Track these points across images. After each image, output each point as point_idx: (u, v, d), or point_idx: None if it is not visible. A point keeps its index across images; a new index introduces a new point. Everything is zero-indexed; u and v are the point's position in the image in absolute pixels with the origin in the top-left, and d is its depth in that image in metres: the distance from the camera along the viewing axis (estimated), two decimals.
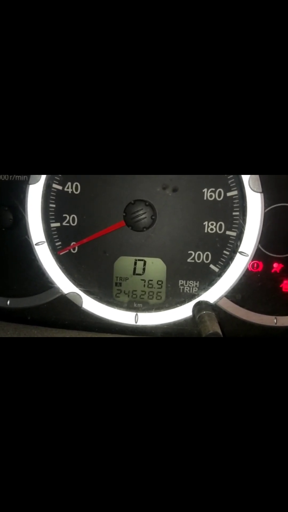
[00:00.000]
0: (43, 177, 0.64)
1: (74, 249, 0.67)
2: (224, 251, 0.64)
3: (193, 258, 0.65)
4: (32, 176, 0.64)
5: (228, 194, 0.62)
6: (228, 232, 0.63)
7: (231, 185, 0.61)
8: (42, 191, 0.64)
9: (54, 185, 0.65)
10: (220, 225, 0.63)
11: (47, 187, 0.64)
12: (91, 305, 0.67)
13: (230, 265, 0.63)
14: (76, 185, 0.64)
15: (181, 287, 0.66)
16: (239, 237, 0.62)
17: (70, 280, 0.67)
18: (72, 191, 0.65)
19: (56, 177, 0.65)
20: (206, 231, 0.63)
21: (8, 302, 0.69)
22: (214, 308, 0.62)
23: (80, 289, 0.67)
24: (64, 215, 0.66)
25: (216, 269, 0.64)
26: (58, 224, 0.66)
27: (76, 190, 0.65)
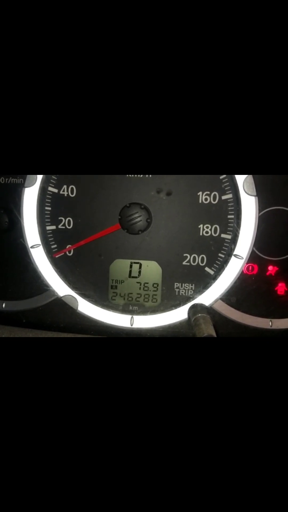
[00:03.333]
0: (39, 180, 0.64)
1: (69, 252, 0.67)
2: (219, 254, 0.64)
3: (189, 261, 0.65)
4: (28, 179, 0.64)
5: (223, 197, 0.62)
6: (223, 235, 0.63)
7: (225, 188, 0.62)
8: (38, 194, 0.64)
9: (50, 188, 0.65)
10: (215, 228, 0.63)
11: (43, 190, 0.65)
12: (87, 308, 0.67)
13: (225, 268, 0.63)
14: (72, 188, 0.65)
15: (177, 290, 0.66)
16: (234, 240, 0.62)
17: (65, 283, 0.67)
18: (67, 194, 0.65)
19: (51, 180, 0.65)
20: (201, 234, 0.64)
21: (4, 305, 0.69)
22: (209, 311, 0.62)
23: (75, 292, 0.67)
24: (59, 218, 0.66)
25: (211, 272, 0.65)
26: (53, 227, 0.66)
27: (72, 193, 0.65)
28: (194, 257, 0.65)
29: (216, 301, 0.64)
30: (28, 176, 0.64)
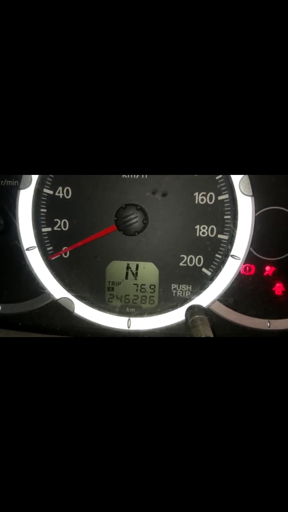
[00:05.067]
0: (34, 182, 0.63)
1: (65, 254, 0.66)
2: (216, 255, 0.64)
3: (185, 262, 0.65)
4: (23, 181, 0.64)
5: (219, 197, 0.62)
6: (220, 236, 0.63)
7: (221, 188, 0.61)
8: (33, 196, 0.64)
9: (45, 190, 0.64)
10: (212, 228, 0.63)
11: (38, 192, 0.64)
12: (83, 310, 0.67)
13: (222, 268, 0.63)
14: (67, 189, 0.64)
15: (174, 291, 0.66)
16: (230, 241, 0.62)
17: (61, 285, 0.66)
18: (63, 196, 0.64)
19: (47, 182, 0.64)
20: (198, 234, 0.63)
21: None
22: (207, 312, 0.62)
23: (72, 294, 0.66)
24: (55, 219, 0.65)
25: (209, 273, 0.64)
26: (49, 229, 0.66)
27: (67, 194, 0.64)
28: (191, 258, 0.64)
29: (213, 302, 0.64)
30: (23, 178, 0.64)
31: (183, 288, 0.66)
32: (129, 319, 0.66)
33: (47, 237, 0.66)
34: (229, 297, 0.64)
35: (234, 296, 0.64)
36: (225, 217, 0.62)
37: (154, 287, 0.66)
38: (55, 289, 0.66)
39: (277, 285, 0.64)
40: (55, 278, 0.66)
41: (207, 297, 0.64)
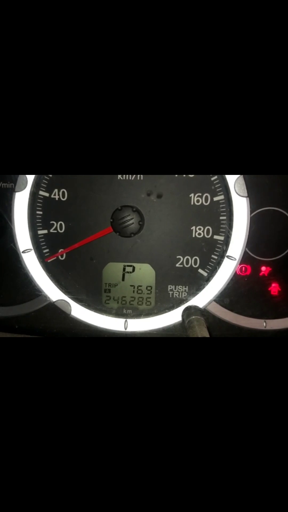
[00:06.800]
0: (29, 184, 0.63)
1: (62, 256, 0.66)
2: (212, 256, 0.64)
3: (182, 263, 0.65)
4: (18, 183, 0.63)
5: (215, 198, 0.62)
6: (215, 237, 0.63)
7: (217, 189, 0.62)
8: (29, 198, 0.64)
9: (41, 192, 0.64)
10: (208, 229, 0.63)
11: (34, 194, 0.64)
12: (80, 312, 0.66)
13: (218, 269, 0.63)
14: (63, 191, 0.64)
15: (170, 292, 0.66)
16: (226, 241, 0.62)
17: (58, 287, 0.66)
18: (59, 198, 0.64)
19: (42, 184, 0.64)
20: (193, 235, 0.64)
21: None
22: (203, 312, 0.62)
23: (68, 297, 0.66)
24: (51, 222, 0.65)
25: (205, 274, 0.65)
26: (45, 231, 0.65)
27: (63, 196, 0.64)
28: (187, 259, 0.65)
29: (209, 302, 0.64)
30: (18, 180, 0.63)
31: (180, 289, 0.66)
32: (126, 320, 0.66)
33: (43, 239, 0.66)
34: (225, 298, 0.64)
35: (230, 296, 0.64)
36: (221, 218, 0.62)
37: (151, 288, 0.66)
38: (52, 292, 0.66)
39: (273, 285, 0.64)
40: (52, 281, 0.66)
41: (203, 298, 0.64)
